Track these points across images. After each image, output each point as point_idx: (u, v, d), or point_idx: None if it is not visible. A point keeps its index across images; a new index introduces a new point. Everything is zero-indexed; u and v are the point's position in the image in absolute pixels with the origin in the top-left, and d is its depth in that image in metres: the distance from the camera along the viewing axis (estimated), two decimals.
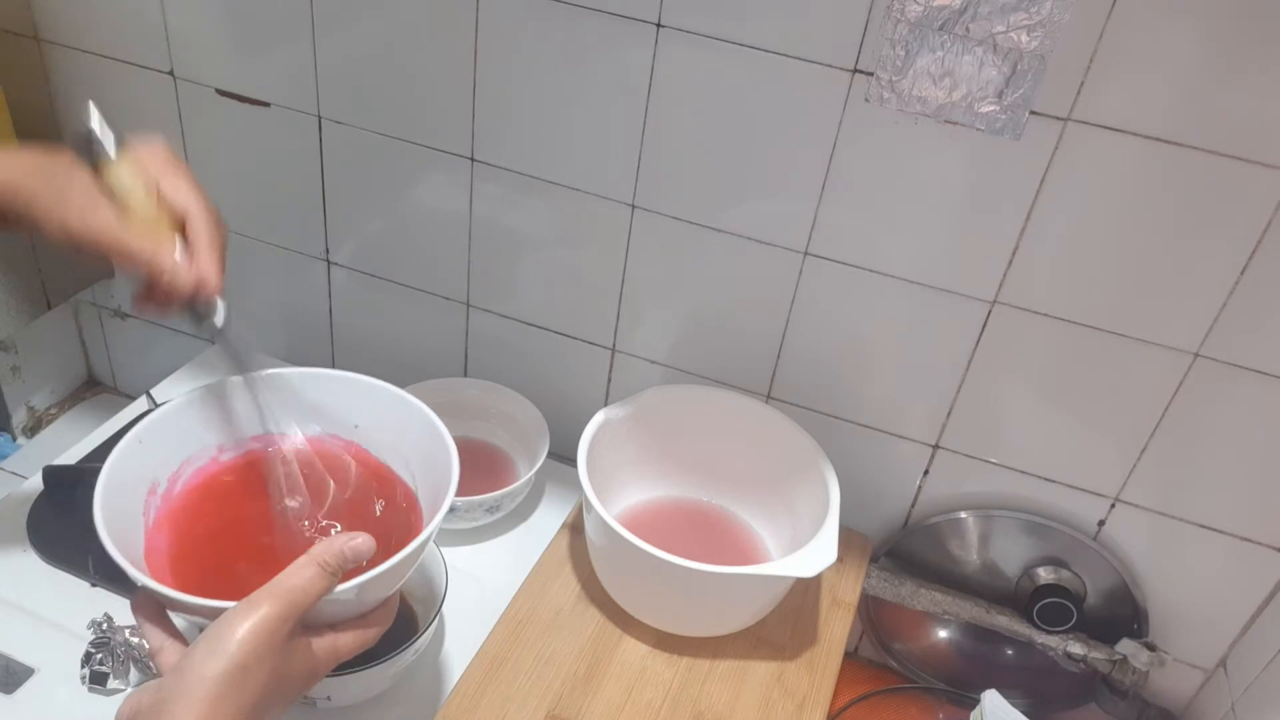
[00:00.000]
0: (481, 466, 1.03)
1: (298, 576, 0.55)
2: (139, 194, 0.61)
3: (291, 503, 0.69)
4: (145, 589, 0.59)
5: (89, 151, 0.60)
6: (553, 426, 1.00)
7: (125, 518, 0.64)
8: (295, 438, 0.72)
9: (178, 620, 0.60)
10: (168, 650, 0.58)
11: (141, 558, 0.63)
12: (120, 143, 0.61)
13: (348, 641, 0.60)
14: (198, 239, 0.63)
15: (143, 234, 0.61)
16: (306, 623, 0.57)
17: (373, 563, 0.59)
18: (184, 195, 0.63)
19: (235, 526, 0.69)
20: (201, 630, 0.55)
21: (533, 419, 1.02)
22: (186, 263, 0.62)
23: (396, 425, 0.72)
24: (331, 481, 0.71)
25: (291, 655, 0.56)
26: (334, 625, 0.60)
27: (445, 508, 0.64)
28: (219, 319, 0.64)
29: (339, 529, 0.68)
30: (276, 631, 0.54)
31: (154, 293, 0.63)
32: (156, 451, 0.68)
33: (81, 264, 0.63)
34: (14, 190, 0.62)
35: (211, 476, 0.71)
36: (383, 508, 0.71)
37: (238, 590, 0.56)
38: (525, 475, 0.96)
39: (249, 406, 0.71)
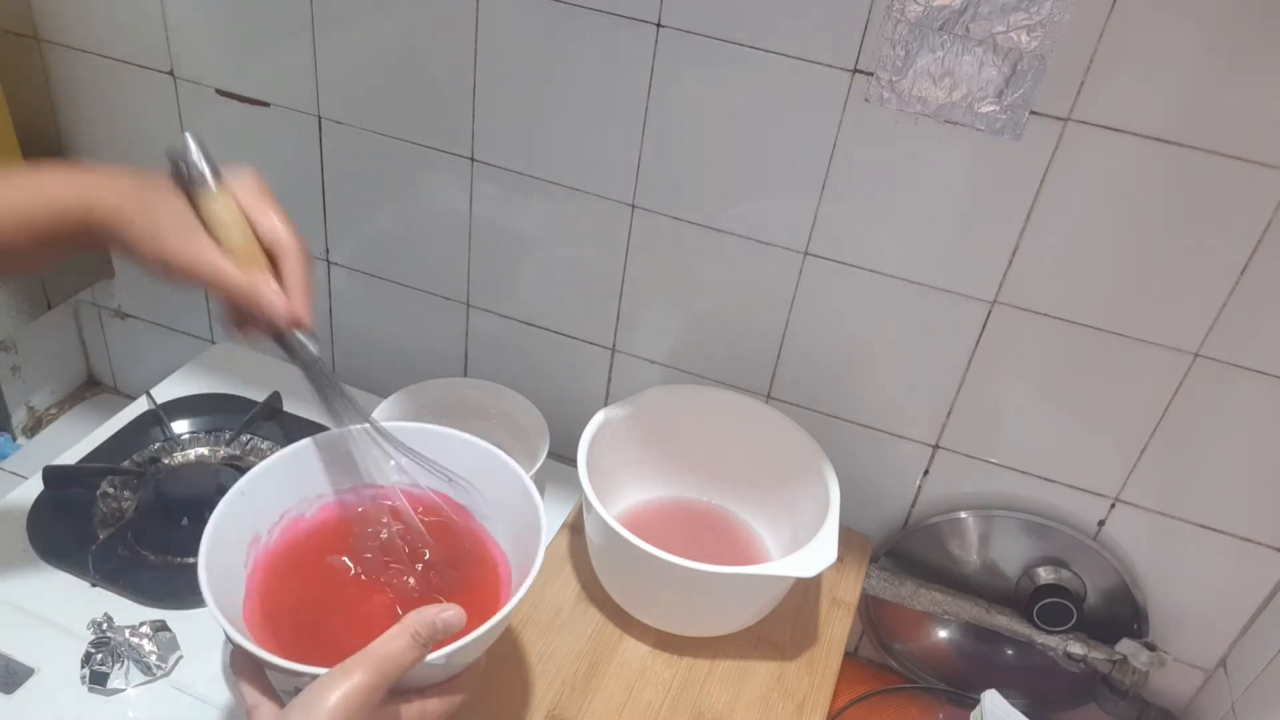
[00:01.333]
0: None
1: (390, 646, 0.57)
2: (234, 225, 0.61)
3: (385, 557, 0.70)
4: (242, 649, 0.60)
5: (184, 179, 0.60)
6: (553, 426, 1.00)
7: (227, 571, 0.65)
8: (391, 490, 0.73)
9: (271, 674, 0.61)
10: (264, 709, 0.59)
11: (240, 612, 0.65)
12: (216, 173, 0.61)
13: (435, 707, 0.61)
14: (291, 272, 0.63)
15: (239, 265, 0.61)
16: (395, 689, 0.58)
17: (462, 629, 0.60)
18: (277, 228, 0.64)
19: (329, 578, 0.70)
20: (295, 690, 0.56)
21: (533, 419, 1.02)
22: (282, 295, 0.63)
23: (488, 482, 0.73)
24: (425, 536, 0.72)
25: None
26: (421, 691, 0.61)
27: (534, 572, 0.65)
28: (310, 350, 0.65)
29: (427, 570, 0.69)
30: (367, 701, 0.55)
31: (245, 320, 0.64)
32: (259, 503, 0.69)
33: (170, 284, 0.63)
34: (113, 213, 0.62)
35: (310, 528, 0.72)
36: (471, 565, 0.72)
37: (328, 646, 0.58)
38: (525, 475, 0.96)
39: (347, 459, 0.72)
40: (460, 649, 0.59)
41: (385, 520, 0.72)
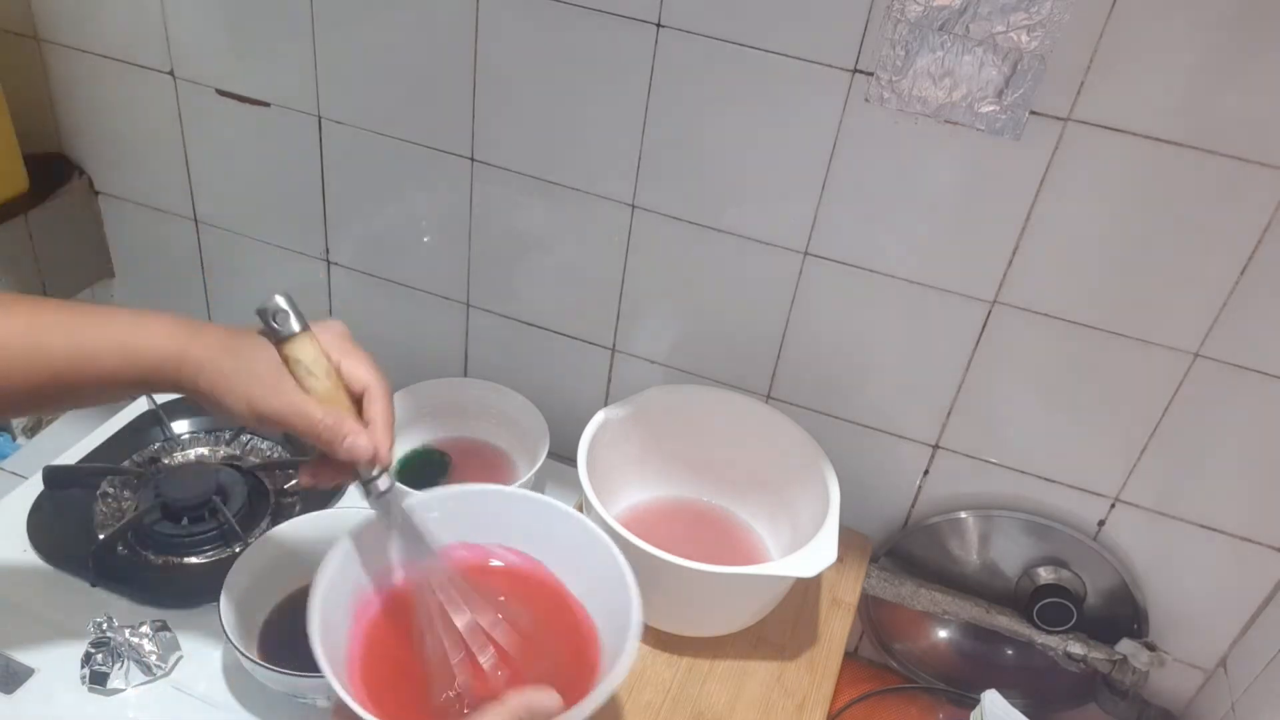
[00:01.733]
0: (481, 466, 1.03)
1: None
2: (320, 371, 0.64)
3: (480, 621, 0.71)
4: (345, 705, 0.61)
5: (272, 328, 0.64)
6: (553, 426, 1.00)
7: (334, 626, 0.67)
8: (489, 554, 0.75)
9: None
10: None
11: (344, 667, 0.66)
12: (304, 324, 0.64)
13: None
14: (375, 414, 0.65)
15: (325, 408, 0.64)
16: None
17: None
18: (361, 371, 0.66)
19: (426, 638, 0.71)
20: None
21: (533, 419, 1.02)
22: (365, 432, 0.65)
23: (580, 554, 0.74)
24: (522, 611, 0.73)
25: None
26: None
27: (627, 657, 0.65)
28: (384, 486, 0.67)
29: (516, 629, 0.71)
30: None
31: (326, 464, 0.66)
32: (366, 558, 0.71)
33: (261, 428, 0.72)
34: (204, 363, 0.64)
35: (410, 586, 0.72)
36: (564, 638, 0.72)
37: (424, 710, 0.60)
38: (525, 475, 0.96)
39: (446, 520, 0.74)
40: None
41: (480, 585, 0.73)
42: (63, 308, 0.65)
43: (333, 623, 0.67)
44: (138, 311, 0.66)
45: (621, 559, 0.72)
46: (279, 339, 0.64)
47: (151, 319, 0.65)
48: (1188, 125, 0.74)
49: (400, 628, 0.71)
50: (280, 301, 0.64)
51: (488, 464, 1.04)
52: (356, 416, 0.65)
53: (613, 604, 0.71)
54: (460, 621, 0.70)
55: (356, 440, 0.64)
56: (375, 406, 0.66)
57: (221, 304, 1.21)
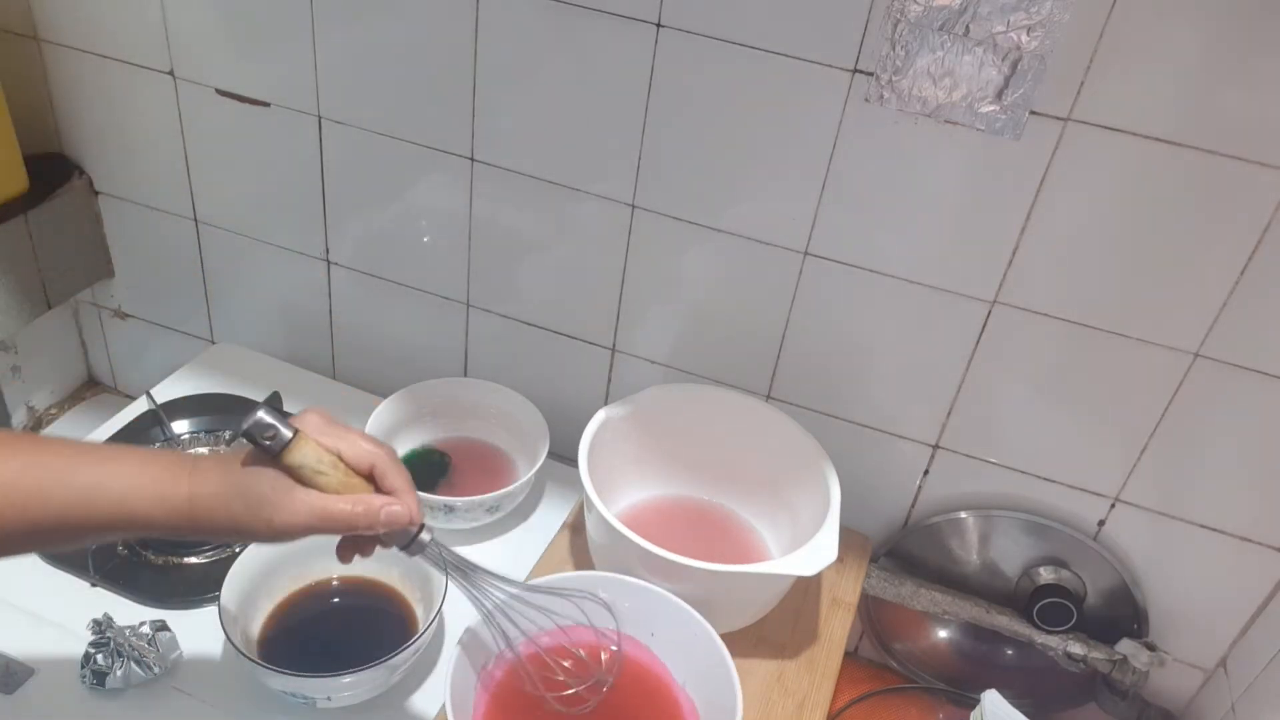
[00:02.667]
0: (481, 466, 1.03)
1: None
2: (327, 465, 0.64)
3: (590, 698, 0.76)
4: None
5: (265, 445, 0.62)
6: (553, 426, 1.00)
7: (462, 699, 0.72)
8: (608, 637, 0.80)
9: None
10: None
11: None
12: (290, 427, 0.63)
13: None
14: (395, 482, 0.66)
15: (347, 498, 0.64)
16: None
17: None
18: (365, 450, 0.66)
19: (544, 707, 0.77)
20: None
21: (533, 419, 1.02)
22: (396, 503, 0.65)
23: (688, 646, 0.78)
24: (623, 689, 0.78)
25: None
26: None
27: None
28: (427, 539, 0.68)
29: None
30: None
31: (360, 545, 0.68)
32: (472, 658, 0.75)
33: (288, 541, 0.65)
34: (212, 499, 0.63)
35: (530, 658, 0.77)
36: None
37: None
38: (525, 475, 0.96)
39: (569, 601, 0.78)
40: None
41: (589, 660, 0.79)
42: (63, 452, 0.63)
43: (464, 679, 0.73)
44: (139, 460, 0.64)
45: (726, 654, 0.76)
46: (275, 453, 0.63)
47: (149, 473, 0.63)
48: (1188, 125, 0.74)
49: (520, 692, 0.76)
50: (264, 417, 0.63)
51: (488, 464, 1.04)
52: (374, 489, 0.66)
53: (717, 699, 0.75)
54: (580, 689, 0.76)
55: (393, 509, 0.65)
56: (392, 474, 0.66)
57: (222, 304, 1.21)
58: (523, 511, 1.01)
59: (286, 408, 1.07)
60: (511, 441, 1.05)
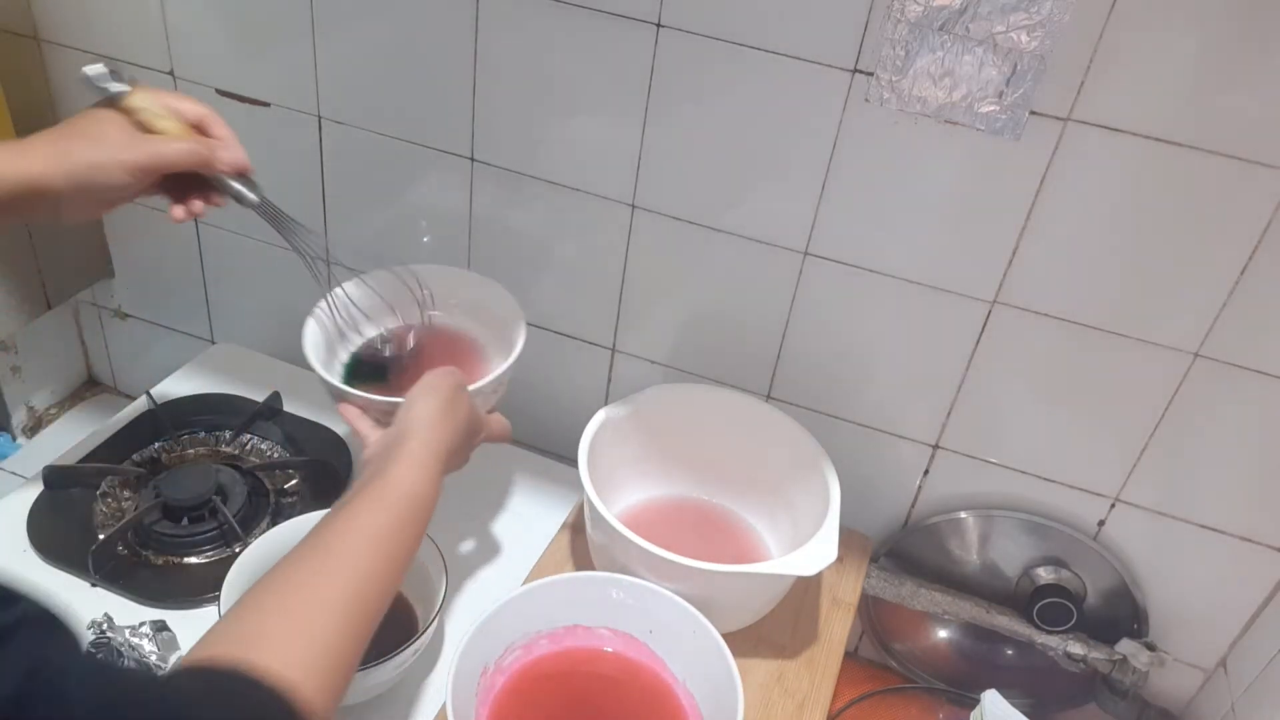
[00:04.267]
0: (448, 357, 0.90)
1: (455, 374, 0.75)
2: (165, 114, 0.71)
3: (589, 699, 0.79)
4: None
5: (103, 90, 0.70)
6: (553, 426, 1.00)
7: (463, 701, 0.73)
8: (602, 640, 0.82)
9: None
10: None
11: None
12: (132, 81, 0.71)
13: (486, 411, 0.79)
14: (223, 131, 0.74)
15: (183, 139, 0.71)
16: None
17: None
18: (192, 104, 0.73)
19: (545, 709, 0.79)
20: None
21: (507, 307, 0.91)
22: (224, 144, 0.73)
23: (688, 645, 0.79)
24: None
25: (470, 404, 0.74)
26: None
27: None
28: (258, 192, 0.76)
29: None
30: (460, 385, 0.74)
31: (192, 190, 0.75)
32: (491, 638, 0.77)
33: (146, 188, 0.73)
34: (73, 167, 0.67)
35: (531, 663, 0.80)
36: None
37: None
38: (500, 368, 0.85)
39: (564, 600, 0.80)
40: (492, 381, 0.81)
41: (588, 665, 0.81)
42: None
43: (464, 691, 0.73)
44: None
45: (726, 650, 0.76)
46: (113, 98, 0.70)
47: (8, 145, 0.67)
48: (1187, 125, 0.74)
49: (528, 686, 0.78)
50: (101, 68, 0.70)
51: (456, 354, 0.93)
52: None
53: (717, 696, 0.75)
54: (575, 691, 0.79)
55: (228, 154, 0.73)
56: (219, 126, 0.74)
57: (222, 304, 1.21)
58: (522, 512, 1.01)
59: (286, 408, 1.07)
60: (484, 331, 0.94)
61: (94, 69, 0.71)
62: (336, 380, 0.85)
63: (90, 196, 0.69)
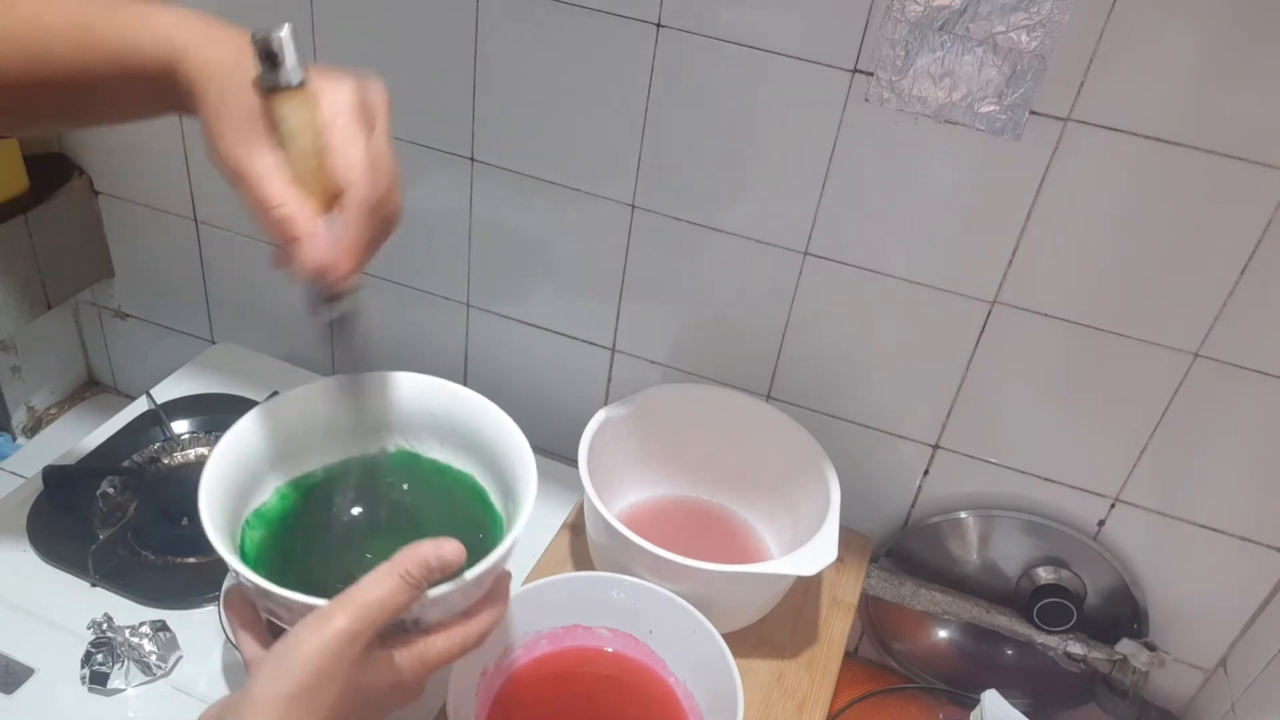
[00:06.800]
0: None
1: (376, 589, 0.52)
2: (305, 140, 0.52)
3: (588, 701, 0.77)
4: None
5: (265, 71, 0.51)
6: (553, 426, 1.00)
7: (463, 701, 0.72)
8: (602, 641, 0.81)
9: None
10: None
11: None
12: (303, 74, 0.52)
13: (440, 647, 0.56)
14: (347, 214, 0.53)
15: (290, 188, 0.52)
16: (393, 630, 0.54)
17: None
18: (353, 156, 0.53)
19: (545, 710, 0.78)
20: None
21: (506, 442, 0.70)
22: (326, 237, 0.53)
23: (689, 645, 0.78)
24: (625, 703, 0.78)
25: (369, 670, 0.53)
26: (426, 630, 0.56)
27: None
28: (336, 311, 0.56)
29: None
30: (346, 649, 0.51)
31: (283, 257, 0.55)
32: (491, 638, 0.73)
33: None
34: (194, 82, 0.54)
35: (531, 663, 0.79)
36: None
37: None
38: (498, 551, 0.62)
39: (563, 601, 0.79)
40: (457, 587, 0.55)
41: (588, 665, 0.80)
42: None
43: (463, 691, 0.72)
44: (162, 4, 0.55)
45: (726, 650, 0.76)
46: (267, 88, 0.51)
47: (167, 11, 0.54)
48: (1188, 125, 0.74)
49: (528, 689, 0.77)
50: (282, 36, 0.50)
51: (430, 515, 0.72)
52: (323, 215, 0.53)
53: (717, 696, 0.75)
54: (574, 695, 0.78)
55: (307, 241, 0.53)
56: (351, 204, 0.53)
57: (221, 304, 1.21)
58: None
59: None
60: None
61: (269, 36, 0.51)
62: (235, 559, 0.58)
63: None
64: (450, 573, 0.55)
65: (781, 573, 0.81)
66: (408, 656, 0.55)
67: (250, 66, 0.52)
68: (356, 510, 0.68)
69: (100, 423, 1.04)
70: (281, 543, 0.65)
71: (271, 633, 0.56)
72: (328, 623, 0.51)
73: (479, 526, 0.68)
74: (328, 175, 0.53)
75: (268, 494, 0.68)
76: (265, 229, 0.54)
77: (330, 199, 0.53)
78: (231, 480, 0.64)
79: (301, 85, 0.52)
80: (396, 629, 0.55)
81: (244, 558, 0.62)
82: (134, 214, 1.18)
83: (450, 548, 0.54)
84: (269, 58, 0.51)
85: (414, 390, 0.70)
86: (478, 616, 0.59)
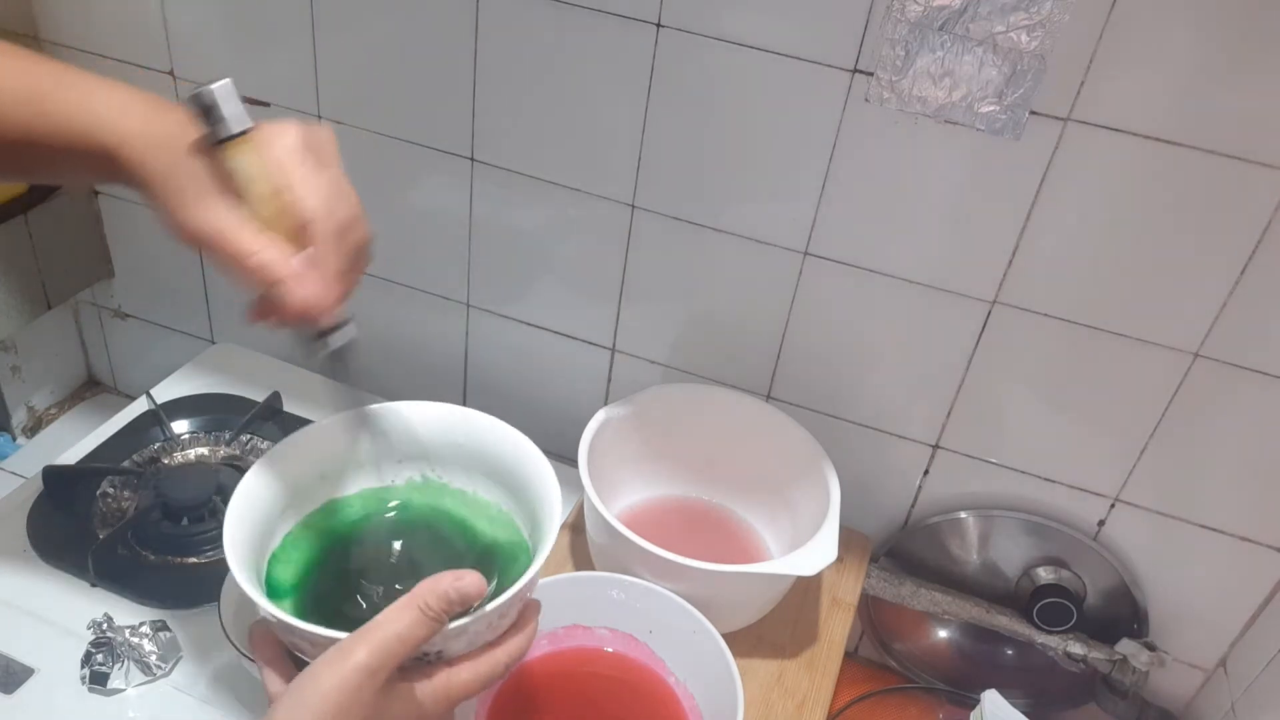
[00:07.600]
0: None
1: (396, 623, 0.51)
2: (262, 184, 0.52)
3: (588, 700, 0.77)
4: None
5: (210, 125, 0.51)
6: (553, 426, 1.00)
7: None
8: (601, 641, 0.81)
9: None
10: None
11: None
12: (246, 122, 0.52)
13: (464, 679, 0.55)
14: (317, 250, 0.53)
15: (260, 235, 0.52)
16: (415, 664, 0.54)
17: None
18: (312, 185, 0.53)
19: (545, 709, 0.77)
20: None
21: (531, 469, 0.68)
22: (308, 272, 0.53)
23: (689, 645, 0.78)
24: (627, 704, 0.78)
25: (390, 704, 0.52)
26: (450, 662, 0.56)
27: None
28: (331, 345, 0.56)
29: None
30: (366, 684, 0.50)
31: (266, 306, 0.55)
32: None
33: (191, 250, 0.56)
34: (138, 165, 0.54)
35: (531, 663, 0.79)
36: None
37: None
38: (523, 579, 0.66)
39: (564, 601, 0.78)
40: (479, 618, 0.55)
41: (588, 665, 0.80)
42: (56, 67, 0.56)
43: None
44: (108, 84, 0.56)
45: (726, 650, 0.76)
46: (214, 141, 0.51)
47: (112, 94, 0.55)
48: (1188, 125, 0.74)
49: (528, 687, 0.77)
50: (217, 91, 0.50)
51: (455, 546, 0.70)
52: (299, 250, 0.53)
53: (717, 696, 0.75)
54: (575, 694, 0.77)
55: (287, 283, 0.52)
56: (319, 239, 0.53)
57: (222, 304, 1.21)
58: None
59: (286, 408, 1.07)
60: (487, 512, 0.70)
61: (206, 94, 0.51)
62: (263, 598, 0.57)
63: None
64: (471, 605, 0.54)
65: (781, 573, 0.81)
66: (430, 689, 0.54)
67: (193, 133, 0.53)
68: (381, 542, 0.67)
69: (100, 423, 1.04)
70: (308, 577, 0.65)
71: (297, 666, 0.56)
72: (346, 657, 0.50)
73: (504, 555, 0.67)
74: (291, 213, 0.53)
75: (291, 526, 0.67)
76: (244, 281, 0.53)
77: (299, 237, 0.54)
78: (256, 516, 0.63)
79: (246, 133, 0.52)
80: (419, 660, 0.55)
81: (271, 593, 0.62)
82: (134, 214, 1.18)
83: (470, 580, 0.53)
84: (208, 111, 0.51)
85: (435, 419, 0.70)
86: (503, 646, 0.58)
